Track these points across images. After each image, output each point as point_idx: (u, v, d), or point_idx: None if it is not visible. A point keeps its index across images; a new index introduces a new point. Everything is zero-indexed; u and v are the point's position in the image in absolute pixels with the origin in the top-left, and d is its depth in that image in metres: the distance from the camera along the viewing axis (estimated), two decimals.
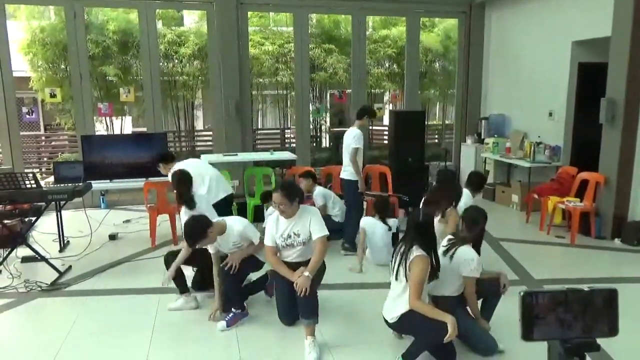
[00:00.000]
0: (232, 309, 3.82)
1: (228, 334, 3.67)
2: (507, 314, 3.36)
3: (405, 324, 3.16)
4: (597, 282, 4.65)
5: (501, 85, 8.51)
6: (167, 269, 4.11)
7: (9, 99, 7.23)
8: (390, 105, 12.91)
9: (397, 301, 3.16)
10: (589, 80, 6.75)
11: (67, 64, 9.49)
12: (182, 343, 3.58)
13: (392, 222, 5.11)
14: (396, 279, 3.16)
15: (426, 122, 9.99)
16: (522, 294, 1.32)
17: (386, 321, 3.28)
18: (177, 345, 3.55)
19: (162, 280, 4.07)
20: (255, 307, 4.10)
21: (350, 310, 4.07)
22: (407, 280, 3.06)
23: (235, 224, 3.87)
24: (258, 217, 6.35)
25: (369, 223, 4.99)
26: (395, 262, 3.18)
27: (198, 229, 3.62)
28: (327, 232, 3.55)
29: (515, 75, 8.06)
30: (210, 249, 3.93)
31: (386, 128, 10.72)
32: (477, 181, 4.87)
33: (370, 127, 12.03)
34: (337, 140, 8.92)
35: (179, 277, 4.09)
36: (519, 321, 1.33)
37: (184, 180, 4.28)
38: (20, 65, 9.74)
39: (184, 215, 4.07)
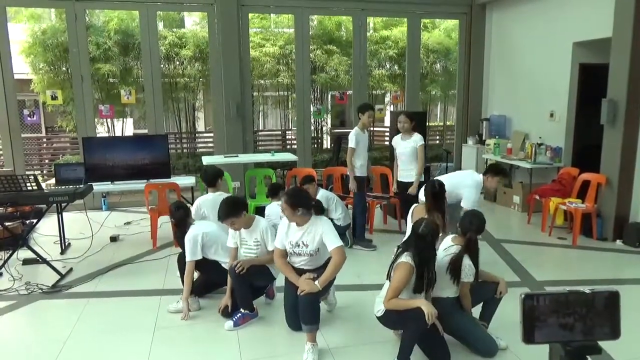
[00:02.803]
0: (241, 310, 3.82)
1: (229, 336, 3.66)
2: (508, 316, 3.35)
3: (389, 318, 3.22)
4: (599, 284, 4.66)
5: (502, 86, 8.50)
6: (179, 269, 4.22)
7: (10, 101, 7.24)
8: (392, 106, 12.92)
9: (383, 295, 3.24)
10: (590, 81, 6.74)
11: (68, 66, 9.52)
12: (183, 345, 3.58)
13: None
14: (387, 278, 3.25)
15: (427, 123, 10.00)
16: (523, 296, 1.31)
17: (376, 316, 3.32)
18: (179, 347, 3.54)
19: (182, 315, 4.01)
20: (257, 307, 4.10)
21: (351, 311, 4.05)
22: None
23: (262, 220, 3.98)
24: None
25: None
26: (390, 263, 3.26)
27: (234, 205, 3.78)
28: (341, 242, 3.43)
29: (516, 76, 8.06)
30: (231, 243, 3.96)
31: (387, 129, 10.71)
32: (495, 168, 4.77)
33: (372, 128, 12.03)
34: (338, 141, 8.91)
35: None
36: (520, 324, 1.32)
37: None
38: (22, 67, 9.77)
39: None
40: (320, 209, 3.58)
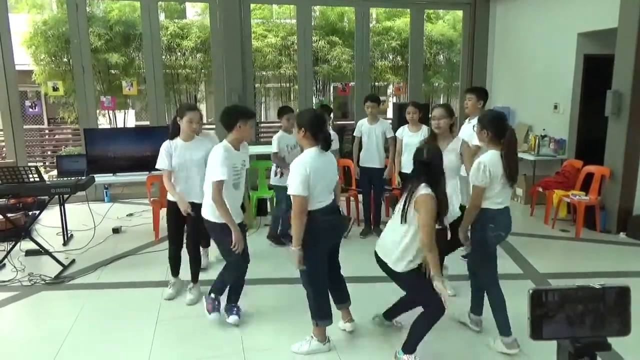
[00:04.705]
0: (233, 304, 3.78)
1: (231, 327, 3.66)
2: (516, 311, 3.34)
3: (413, 280, 3.07)
4: (602, 276, 4.65)
5: (506, 77, 8.44)
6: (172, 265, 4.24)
7: (12, 93, 7.21)
8: (394, 97, 12.86)
9: (401, 244, 3.00)
10: (595, 72, 6.69)
11: (69, 57, 9.48)
12: (185, 336, 3.58)
13: None
14: (405, 221, 2.99)
15: (430, 115, 9.92)
16: (531, 291, 1.29)
17: (380, 261, 3.15)
18: (181, 338, 3.55)
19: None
20: (259, 299, 4.10)
21: (353, 305, 4.03)
22: (415, 224, 2.94)
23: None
24: (262, 211, 6.33)
25: None
26: (401, 203, 3.04)
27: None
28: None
29: (520, 67, 7.99)
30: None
31: (389, 121, 10.67)
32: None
33: None
34: (340, 132, 8.87)
35: (194, 265, 4.17)
36: (528, 319, 1.31)
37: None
38: (23, 58, 9.73)
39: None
40: None
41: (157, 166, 3.95)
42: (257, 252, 5.13)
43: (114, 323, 3.78)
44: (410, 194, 2.99)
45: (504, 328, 3.29)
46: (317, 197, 3.11)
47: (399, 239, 3.03)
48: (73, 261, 5.07)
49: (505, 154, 3.16)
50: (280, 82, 12.44)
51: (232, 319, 3.69)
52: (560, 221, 6.25)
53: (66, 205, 5.77)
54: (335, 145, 5.76)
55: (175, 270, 4.25)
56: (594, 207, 5.92)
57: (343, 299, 3.55)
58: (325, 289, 3.34)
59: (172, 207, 3.99)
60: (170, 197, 4.00)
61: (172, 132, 3.99)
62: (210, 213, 3.56)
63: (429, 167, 3.01)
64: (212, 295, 3.73)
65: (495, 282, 3.35)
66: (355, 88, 8.71)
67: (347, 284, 3.58)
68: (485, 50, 8.74)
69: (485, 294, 3.49)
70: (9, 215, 5.32)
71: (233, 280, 3.73)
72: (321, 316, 3.31)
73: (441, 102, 14.88)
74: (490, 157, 3.17)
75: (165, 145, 3.93)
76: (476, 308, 3.59)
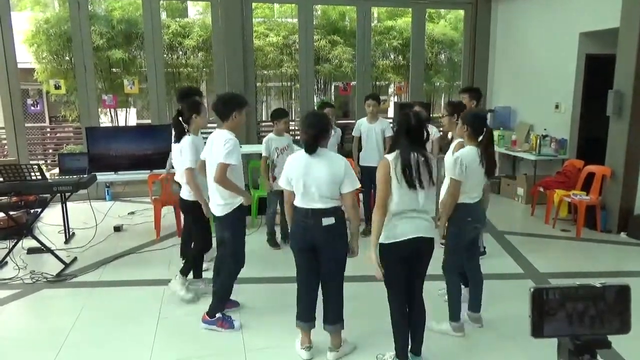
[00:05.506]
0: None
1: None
2: (516, 310, 3.34)
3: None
4: (602, 276, 4.65)
5: (507, 77, 8.44)
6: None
7: (14, 91, 7.22)
8: (395, 97, 12.86)
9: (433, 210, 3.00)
10: (597, 72, 6.68)
11: (71, 55, 9.50)
12: (187, 334, 3.59)
13: None
14: (421, 187, 2.84)
15: (431, 114, 9.92)
16: (532, 290, 1.30)
17: (422, 240, 2.96)
18: (182, 336, 3.56)
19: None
20: (258, 298, 4.12)
21: (349, 305, 4.03)
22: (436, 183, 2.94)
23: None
24: (263, 210, 6.33)
25: None
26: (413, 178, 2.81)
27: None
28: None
29: (521, 67, 7.99)
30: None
31: (391, 120, 10.66)
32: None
33: None
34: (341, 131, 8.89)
35: (201, 261, 4.25)
36: (529, 317, 1.32)
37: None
38: (25, 56, 9.74)
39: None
40: None
41: (192, 165, 3.86)
42: (257, 251, 5.17)
43: (116, 321, 3.79)
44: (425, 165, 2.84)
45: (455, 313, 3.45)
46: (300, 194, 3.09)
47: (430, 213, 2.99)
48: (75, 259, 5.08)
49: (482, 151, 3.34)
50: (282, 81, 12.44)
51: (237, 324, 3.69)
52: (561, 221, 6.25)
53: (68, 204, 5.79)
54: (336, 140, 5.79)
55: (199, 271, 4.26)
56: (595, 207, 5.93)
57: (326, 320, 3.21)
58: (303, 287, 3.25)
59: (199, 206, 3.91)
60: (192, 196, 3.94)
61: (182, 128, 3.98)
62: (226, 210, 3.56)
63: (421, 132, 2.90)
64: (219, 315, 3.62)
65: (459, 269, 3.51)
66: (357, 87, 8.72)
67: (347, 284, 3.28)
68: (487, 49, 8.74)
69: (479, 290, 3.57)
70: (11, 213, 5.34)
71: (229, 285, 3.66)
72: (297, 314, 3.27)
73: (442, 102, 14.89)
74: (467, 153, 3.34)
75: (197, 141, 3.89)
76: (473, 306, 3.61)
